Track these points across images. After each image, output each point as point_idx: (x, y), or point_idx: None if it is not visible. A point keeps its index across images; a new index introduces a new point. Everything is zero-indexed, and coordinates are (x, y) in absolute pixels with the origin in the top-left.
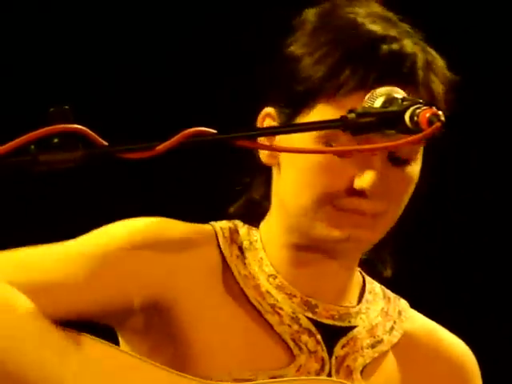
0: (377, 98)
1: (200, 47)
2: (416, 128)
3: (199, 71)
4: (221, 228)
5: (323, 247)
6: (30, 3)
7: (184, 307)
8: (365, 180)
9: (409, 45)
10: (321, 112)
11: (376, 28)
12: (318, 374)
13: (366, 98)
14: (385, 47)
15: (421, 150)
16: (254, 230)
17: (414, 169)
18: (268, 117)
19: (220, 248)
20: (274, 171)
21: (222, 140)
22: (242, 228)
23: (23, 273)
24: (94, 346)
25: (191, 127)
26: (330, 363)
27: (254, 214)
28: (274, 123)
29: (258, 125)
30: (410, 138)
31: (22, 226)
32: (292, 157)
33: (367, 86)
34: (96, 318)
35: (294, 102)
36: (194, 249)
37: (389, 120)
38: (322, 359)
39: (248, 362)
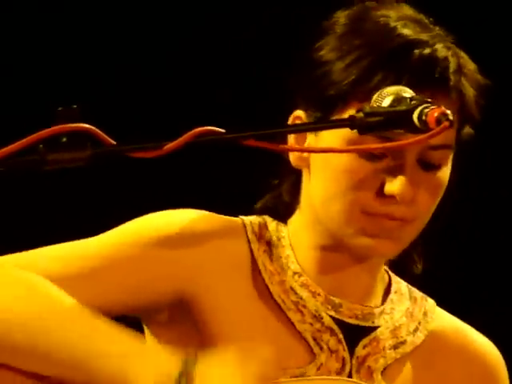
0: (385, 98)
1: (210, 46)
2: (424, 127)
3: (208, 71)
4: (250, 222)
5: (350, 249)
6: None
7: (209, 302)
8: (395, 185)
9: (441, 49)
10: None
11: (408, 32)
12: (338, 373)
13: (375, 97)
14: (417, 52)
15: (451, 154)
16: (282, 226)
17: (445, 174)
18: (298, 120)
19: (249, 242)
20: (304, 174)
21: (230, 139)
22: (271, 223)
23: (57, 266)
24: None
25: (200, 126)
26: (351, 363)
27: (280, 212)
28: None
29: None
30: (422, 137)
31: (29, 225)
32: (322, 162)
33: None
34: (125, 311)
35: (324, 106)
36: (224, 242)
37: (397, 119)
38: (343, 359)
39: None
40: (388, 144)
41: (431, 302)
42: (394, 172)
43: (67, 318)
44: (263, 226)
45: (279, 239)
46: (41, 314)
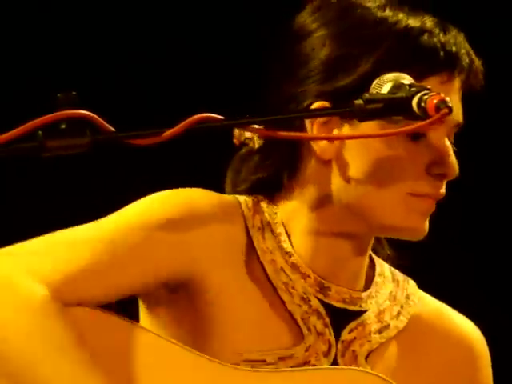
0: (384, 84)
1: (209, 34)
2: (423, 114)
3: (208, 57)
4: (245, 200)
5: (346, 232)
6: None
7: (209, 282)
8: (452, 164)
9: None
10: None
11: (415, 23)
12: (325, 356)
13: (374, 83)
14: (440, 37)
15: None
16: (273, 205)
17: None
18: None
19: (245, 220)
20: (323, 165)
21: (228, 126)
22: (263, 201)
23: (65, 256)
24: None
25: (199, 113)
26: (337, 347)
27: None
28: (331, 118)
29: (309, 119)
30: (421, 123)
31: (30, 211)
32: (362, 150)
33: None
34: (131, 294)
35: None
36: (224, 221)
37: (396, 106)
38: (329, 342)
39: (258, 341)
40: (398, 130)
41: (413, 283)
42: (437, 150)
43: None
44: (256, 204)
45: (271, 216)
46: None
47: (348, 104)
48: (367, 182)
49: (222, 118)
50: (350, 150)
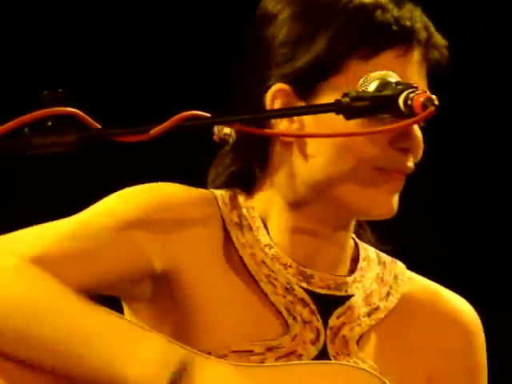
0: (371, 82)
1: (196, 31)
2: (410, 112)
3: (196, 54)
4: (221, 194)
5: (319, 218)
6: None
7: (187, 277)
8: (416, 137)
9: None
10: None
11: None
12: (313, 343)
13: (361, 81)
14: (394, 12)
15: None
16: (250, 199)
17: None
18: (281, 92)
19: (221, 215)
20: (285, 147)
21: (215, 124)
22: (241, 195)
23: (42, 247)
24: None
25: (186, 110)
26: (325, 334)
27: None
28: (289, 99)
29: (269, 103)
30: (407, 121)
31: (15, 209)
32: (321, 128)
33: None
34: (103, 291)
35: (315, 73)
36: (199, 216)
37: (383, 104)
38: (317, 329)
39: (245, 333)
40: (376, 129)
41: (401, 265)
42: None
43: (58, 307)
44: (233, 198)
45: (248, 210)
46: (33, 300)
47: (334, 101)
48: (328, 160)
49: (209, 115)
50: (309, 129)
